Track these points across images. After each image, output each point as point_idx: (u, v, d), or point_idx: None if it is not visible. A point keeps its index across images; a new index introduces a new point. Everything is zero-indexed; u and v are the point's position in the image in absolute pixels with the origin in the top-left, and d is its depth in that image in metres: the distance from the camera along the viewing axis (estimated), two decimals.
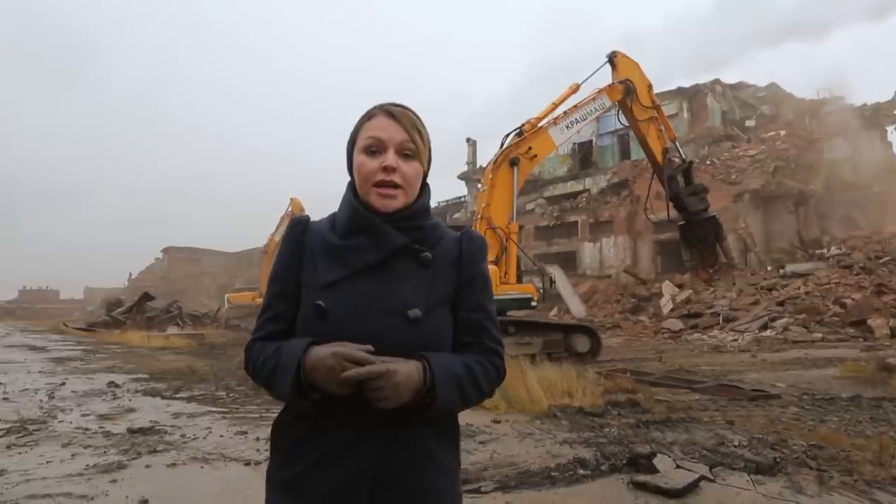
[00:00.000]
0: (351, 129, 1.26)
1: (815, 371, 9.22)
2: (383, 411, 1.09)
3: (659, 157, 12.88)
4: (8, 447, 4.93)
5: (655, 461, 3.93)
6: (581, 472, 3.94)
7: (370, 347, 1.08)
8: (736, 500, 3.38)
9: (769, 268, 20.88)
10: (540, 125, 11.90)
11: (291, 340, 1.16)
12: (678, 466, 3.88)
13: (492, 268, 11.01)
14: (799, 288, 17.61)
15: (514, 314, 11.59)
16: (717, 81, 31.53)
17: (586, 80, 12.42)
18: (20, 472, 4.13)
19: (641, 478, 3.67)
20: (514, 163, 11.46)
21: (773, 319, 15.45)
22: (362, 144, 1.21)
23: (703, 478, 3.66)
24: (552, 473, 3.91)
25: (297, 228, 1.25)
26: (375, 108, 1.24)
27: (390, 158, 1.18)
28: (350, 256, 1.19)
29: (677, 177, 12.76)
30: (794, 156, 25.55)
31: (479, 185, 11.97)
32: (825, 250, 20.79)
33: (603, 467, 4.00)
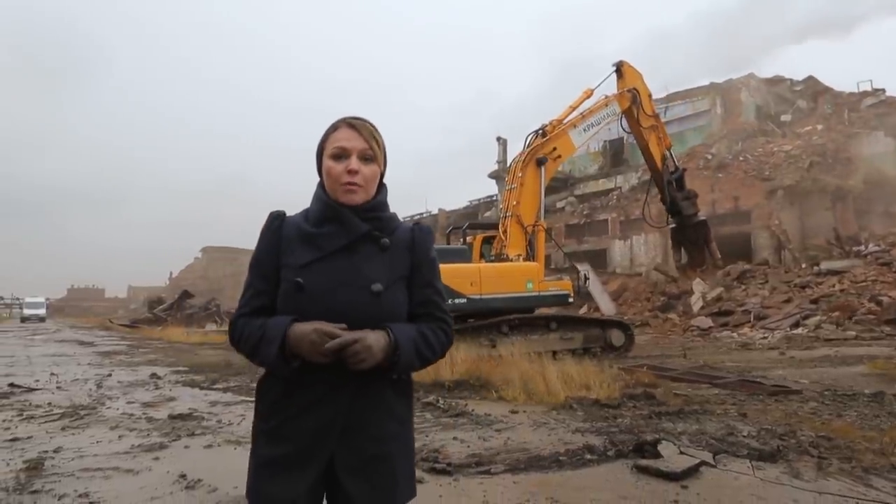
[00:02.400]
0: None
1: (843, 368, 9.14)
2: (348, 375, 1.32)
3: (659, 164, 13.70)
4: (63, 429, 5.40)
5: (660, 447, 4.10)
6: (588, 457, 4.14)
7: (344, 326, 1.31)
8: (734, 483, 3.54)
9: (803, 265, 20.47)
10: (561, 127, 12.34)
11: (274, 318, 1.38)
12: (682, 453, 4.05)
13: (532, 265, 11.38)
14: (834, 285, 17.25)
15: (543, 311, 11.81)
16: (751, 76, 30.99)
17: (598, 85, 13.08)
18: (74, 450, 4.56)
19: (644, 462, 3.85)
20: (541, 162, 11.86)
21: (806, 317, 15.21)
22: (330, 152, 1.44)
23: (703, 463, 3.82)
24: (560, 458, 4.12)
25: (276, 221, 1.48)
26: (340, 121, 1.48)
27: (353, 163, 1.42)
28: (322, 241, 1.42)
29: (673, 182, 13.61)
30: (832, 150, 24.92)
31: (507, 184, 12.36)
32: (863, 247, 20.26)
33: (609, 453, 4.19)
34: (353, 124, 1.45)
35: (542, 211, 12.05)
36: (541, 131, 12.24)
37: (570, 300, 11.87)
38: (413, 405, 1.53)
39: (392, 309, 1.42)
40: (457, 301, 10.31)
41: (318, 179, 1.52)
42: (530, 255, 11.69)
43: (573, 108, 12.69)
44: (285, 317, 1.36)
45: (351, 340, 1.29)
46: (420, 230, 1.53)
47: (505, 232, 11.66)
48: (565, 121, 12.47)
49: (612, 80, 13.54)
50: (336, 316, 1.35)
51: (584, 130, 12.66)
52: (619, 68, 13.42)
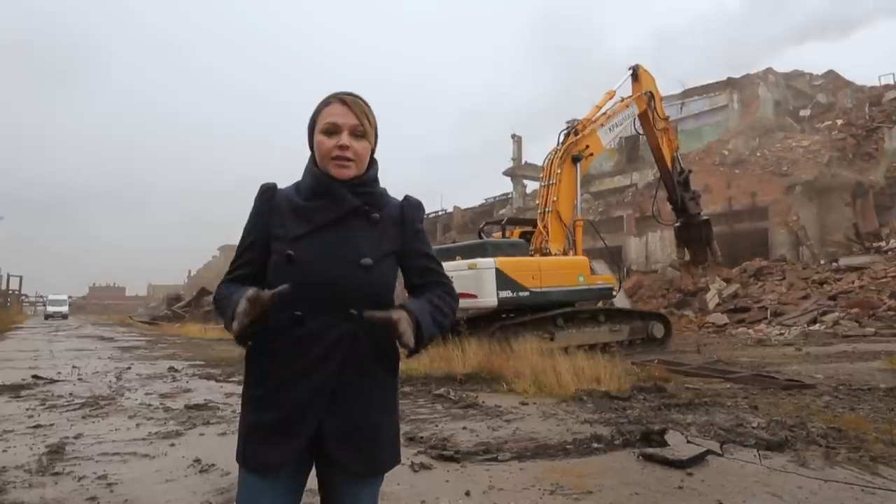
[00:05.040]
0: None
1: (859, 364, 9.03)
2: (336, 345, 1.38)
3: (669, 164, 14.35)
4: (83, 417, 5.55)
5: (667, 437, 4.12)
6: (595, 445, 4.17)
7: (287, 286, 1.32)
8: (739, 471, 3.55)
9: (822, 261, 20.18)
10: (591, 126, 12.75)
11: (246, 286, 1.39)
12: (689, 442, 4.07)
13: (582, 259, 11.75)
14: (853, 282, 16.99)
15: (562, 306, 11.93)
16: (769, 70, 30.57)
17: (618, 86, 13.53)
18: (94, 436, 4.70)
19: (650, 450, 3.87)
20: (576, 160, 12.27)
21: (824, 313, 15.02)
22: (321, 127, 1.46)
23: (710, 452, 3.84)
24: (567, 446, 4.16)
25: (267, 193, 1.51)
26: (331, 96, 1.50)
27: (345, 138, 1.44)
28: (313, 215, 1.45)
29: (680, 182, 14.40)
30: (852, 145, 24.52)
31: (542, 181, 12.58)
32: (884, 243, 19.94)
33: (616, 442, 4.22)
34: (345, 100, 1.47)
35: (580, 207, 12.45)
36: (573, 130, 12.59)
37: (615, 294, 12.33)
38: (398, 376, 1.56)
39: (381, 283, 1.46)
40: (521, 294, 10.47)
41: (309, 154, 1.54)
42: (568, 250, 12.02)
43: (599, 108, 13.11)
44: (248, 287, 1.37)
45: (398, 317, 1.35)
46: (409, 204, 1.56)
47: (546, 227, 11.88)
48: (593, 121, 12.87)
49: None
50: (326, 289, 1.39)
51: (610, 130, 13.11)
52: (636, 72, 13.81)
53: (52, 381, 8.17)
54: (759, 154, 25.42)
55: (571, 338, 10.68)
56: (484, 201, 47.79)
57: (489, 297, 10.10)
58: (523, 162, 43.06)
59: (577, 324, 11.19)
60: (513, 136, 43.85)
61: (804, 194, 22.92)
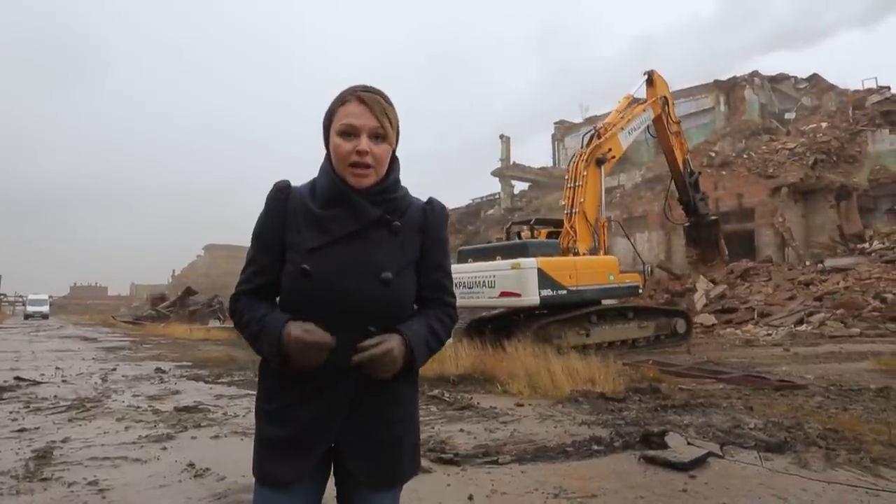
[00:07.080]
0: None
1: (848, 364, 9.11)
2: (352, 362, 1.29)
3: (681, 166, 14.77)
4: (70, 420, 5.41)
5: (667, 438, 4.10)
6: (595, 447, 4.14)
7: (331, 340, 1.27)
8: (741, 473, 3.54)
9: (808, 263, 20.42)
10: (612, 130, 13.01)
11: (273, 314, 1.34)
12: (689, 443, 4.05)
13: (611, 258, 12.10)
14: (838, 283, 17.19)
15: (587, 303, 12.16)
16: (755, 73, 30.90)
17: (635, 91, 13.94)
18: (82, 440, 4.57)
19: (651, 453, 3.85)
20: (600, 162, 12.57)
21: (810, 314, 15.17)
22: (338, 128, 1.35)
23: (711, 454, 3.82)
24: (567, 449, 4.12)
25: (281, 194, 1.40)
26: (348, 93, 1.37)
27: (363, 143, 1.33)
28: (330, 225, 1.35)
29: (692, 184, 14.95)
30: (836, 148, 24.87)
31: (568, 182, 12.71)
32: (867, 245, 20.21)
33: (616, 444, 4.19)
34: (364, 98, 1.35)
35: (603, 208, 12.74)
36: (595, 133, 12.87)
37: (640, 291, 12.67)
38: (417, 386, 1.51)
39: (401, 297, 1.39)
40: (559, 292, 10.74)
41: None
42: (597, 250, 12.30)
43: (619, 113, 13.38)
44: (282, 315, 1.33)
45: (380, 354, 1.28)
46: (432, 210, 1.46)
47: (573, 227, 12.08)
48: (614, 124, 13.10)
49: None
50: (344, 304, 1.32)
51: (629, 133, 13.38)
52: (650, 77, 14.12)
53: (36, 383, 7.98)
54: (745, 156, 25.68)
55: (605, 334, 11.13)
56: (471, 202, 47.84)
57: (532, 295, 10.34)
58: (511, 162, 43.15)
59: (609, 321, 11.52)
60: (501, 137, 43.91)
61: (790, 196, 23.19)
